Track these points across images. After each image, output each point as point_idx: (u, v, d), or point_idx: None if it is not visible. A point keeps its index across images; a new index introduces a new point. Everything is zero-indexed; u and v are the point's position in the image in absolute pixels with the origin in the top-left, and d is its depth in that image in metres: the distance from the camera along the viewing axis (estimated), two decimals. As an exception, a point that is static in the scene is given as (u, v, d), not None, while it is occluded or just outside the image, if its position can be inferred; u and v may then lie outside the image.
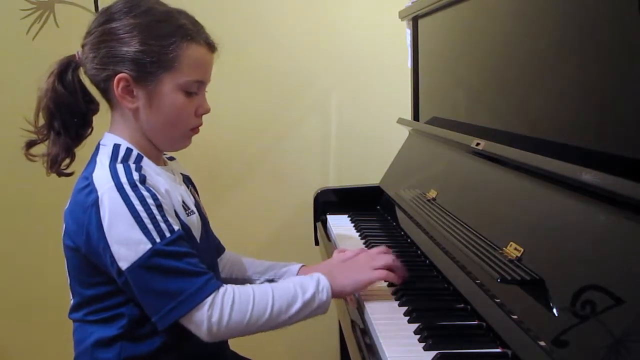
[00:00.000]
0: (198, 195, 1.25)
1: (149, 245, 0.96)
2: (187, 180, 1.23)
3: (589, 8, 0.94)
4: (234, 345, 1.22)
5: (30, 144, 1.10)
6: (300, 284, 1.03)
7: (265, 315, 0.99)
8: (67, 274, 1.09)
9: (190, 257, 0.99)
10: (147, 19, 1.04)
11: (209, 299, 0.97)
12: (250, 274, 1.28)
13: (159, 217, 0.98)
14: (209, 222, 1.23)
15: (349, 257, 1.17)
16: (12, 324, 2.20)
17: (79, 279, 1.07)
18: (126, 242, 0.97)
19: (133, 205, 0.97)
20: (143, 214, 0.97)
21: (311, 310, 1.02)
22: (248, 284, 1.03)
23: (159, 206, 0.99)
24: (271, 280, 1.26)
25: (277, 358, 2.18)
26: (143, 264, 0.96)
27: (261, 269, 1.28)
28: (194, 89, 1.07)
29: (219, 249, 1.31)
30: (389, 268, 1.10)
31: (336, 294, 1.06)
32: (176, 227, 1.00)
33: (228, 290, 0.99)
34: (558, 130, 1.03)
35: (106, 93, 1.08)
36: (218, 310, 0.97)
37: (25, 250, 2.14)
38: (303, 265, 1.27)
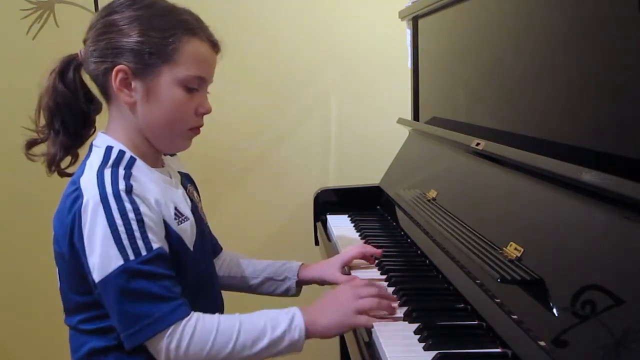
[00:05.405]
0: (198, 194, 1.23)
1: (121, 262, 0.93)
2: (187, 179, 1.21)
3: (589, 8, 0.94)
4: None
5: (31, 144, 1.09)
6: (272, 319, 0.99)
7: (227, 348, 0.96)
8: (58, 280, 1.07)
9: (165, 280, 0.96)
10: (148, 12, 1.03)
11: (172, 327, 0.94)
12: (249, 273, 1.27)
13: (137, 234, 0.94)
14: (206, 223, 1.21)
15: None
16: (12, 324, 2.20)
17: (68, 285, 1.05)
18: (100, 255, 0.94)
19: (113, 217, 0.94)
20: (121, 228, 0.94)
21: (281, 347, 0.99)
22: (216, 314, 0.99)
23: (140, 221, 0.95)
24: (270, 279, 1.25)
25: (277, 358, 2.18)
26: (113, 281, 0.93)
27: (260, 267, 1.27)
28: (195, 85, 1.05)
29: (216, 249, 1.29)
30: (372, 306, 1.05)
31: (318, 335, 1.02)
32: (155, 246, 0.96)
33: (192, 320, 0.96)
34: (558, 130, 1.03)
35: (104, 88, 1.05)
36: (176, 339, 0.94)
37: (26, 250, 2.14)
38: (302, 264, 1.26)
